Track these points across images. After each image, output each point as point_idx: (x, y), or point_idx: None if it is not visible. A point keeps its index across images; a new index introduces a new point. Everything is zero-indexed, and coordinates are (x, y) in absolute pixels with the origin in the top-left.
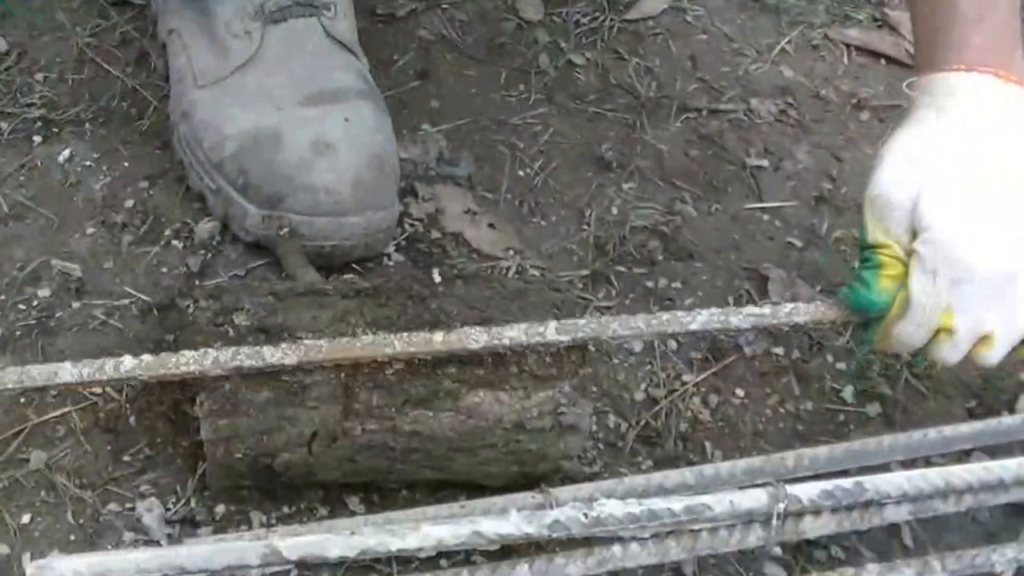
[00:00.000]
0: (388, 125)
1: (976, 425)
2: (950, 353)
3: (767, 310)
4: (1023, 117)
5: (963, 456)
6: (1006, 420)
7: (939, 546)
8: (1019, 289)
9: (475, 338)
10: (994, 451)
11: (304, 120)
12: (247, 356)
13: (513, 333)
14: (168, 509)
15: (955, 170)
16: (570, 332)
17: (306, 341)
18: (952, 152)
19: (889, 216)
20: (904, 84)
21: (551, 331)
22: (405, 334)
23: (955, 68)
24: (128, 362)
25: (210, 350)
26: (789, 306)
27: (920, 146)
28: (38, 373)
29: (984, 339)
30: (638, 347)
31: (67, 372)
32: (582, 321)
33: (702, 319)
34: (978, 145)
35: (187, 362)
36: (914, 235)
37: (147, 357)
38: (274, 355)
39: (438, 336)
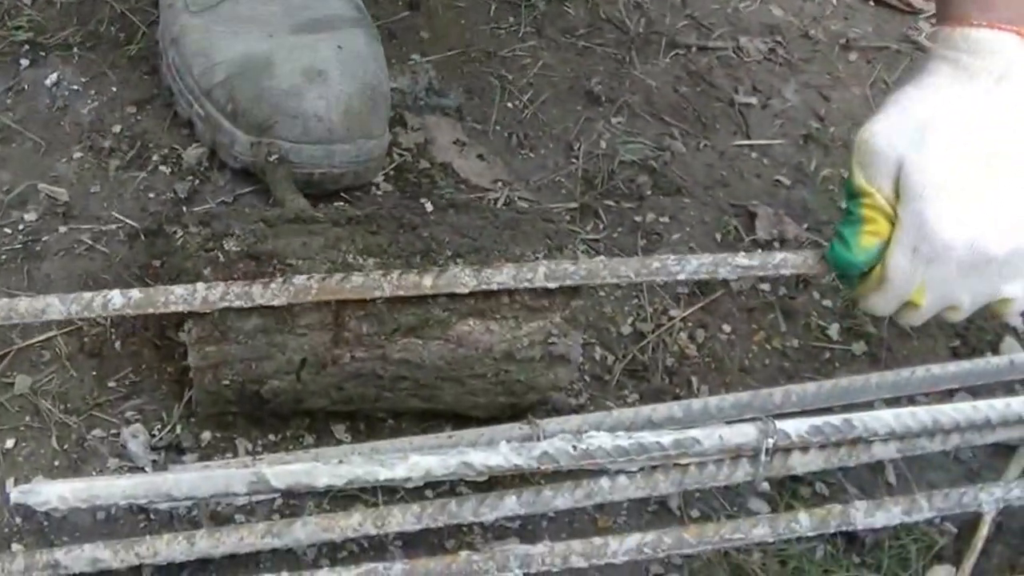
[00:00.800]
0: (381, 54)
1: (963, 364)
2: (914, 320)
3: (756, 260)
4: None
5: (946, 395)
6: (993, 360)
7: (922, 484)
8: (994, 269)
9: (464, 281)
10: (977, 391)
11: (296, 47)
12: (236, 296)
13: (502, 277)
14: (153, 435)
15: (953, 139)
16: (559, 278)
17: (296, 280)
18: (955, 118)
19: (872, 164)
20: (923, 34)
21: (540, 276)
22: (395, 275)
23: (975, 24)
24: (117, 299)
25: (199, 286)
26: (778, 256)
27: (923, 104)
28: (25, 308)
29: (951, 307)
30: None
31: (55, 308)
32: (571, 267)
33: (691, 267)
34: (985, 116)
35: (176, 300)
36: (898, 189)
37: (135, 293)
38: (263, 295)
39: (427, 279)
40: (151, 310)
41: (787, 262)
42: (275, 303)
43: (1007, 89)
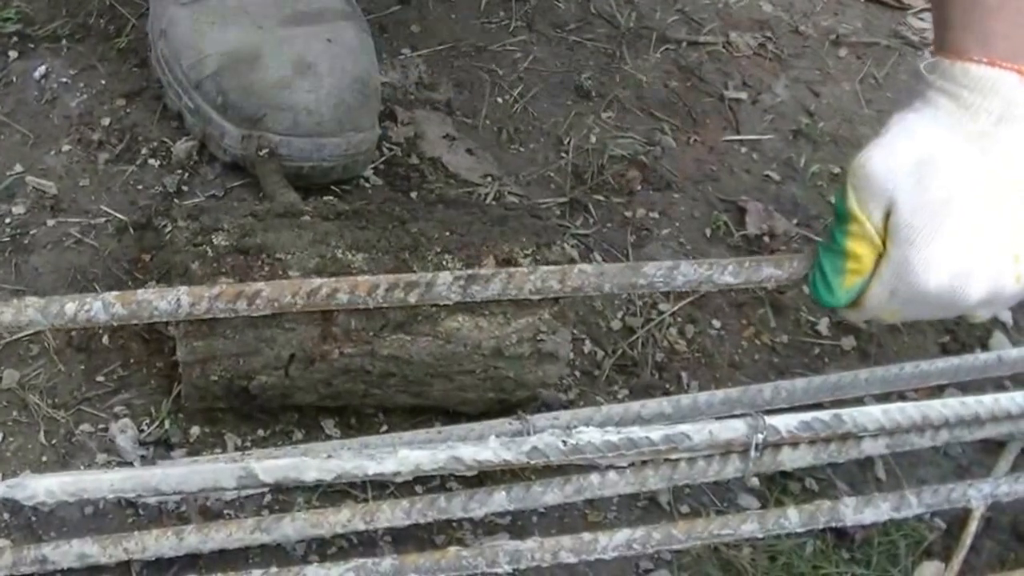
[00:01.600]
0: (371, 47)
1: (952, 360)
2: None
3: (740, 278)
4: None
5: (936, 391)
6: (982, 356)
7: (912, 480)
8: (970, 307)
9: (450, 297)
10: (967, 387)
11: (286, 40)
12: (221, 310)
13: (487, 293)
14: (142, 430)
15: (949, 183)
16: (544, 292)
17: (282, 296)
18: (953, 161)
19: (866, 190)
20: (921, 64)
21: (526, 290)
22: (381, 290)
23: (975, 60)
24: (100, 313)
25: (183, 299)
26: (764, 272)
27: (922, 138)
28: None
29: None
30: None
31: (35, 320)
32: (556, 283)
33: (677, 283)
34: (983, 161)
35: (160, 314)
36: (887, 222)
37: (119, 308)
38: (248, 310)
39: (412, 296)
40: (134, 321)
41: (771, 278)
42: (255, 313)
43: (1006, 133)
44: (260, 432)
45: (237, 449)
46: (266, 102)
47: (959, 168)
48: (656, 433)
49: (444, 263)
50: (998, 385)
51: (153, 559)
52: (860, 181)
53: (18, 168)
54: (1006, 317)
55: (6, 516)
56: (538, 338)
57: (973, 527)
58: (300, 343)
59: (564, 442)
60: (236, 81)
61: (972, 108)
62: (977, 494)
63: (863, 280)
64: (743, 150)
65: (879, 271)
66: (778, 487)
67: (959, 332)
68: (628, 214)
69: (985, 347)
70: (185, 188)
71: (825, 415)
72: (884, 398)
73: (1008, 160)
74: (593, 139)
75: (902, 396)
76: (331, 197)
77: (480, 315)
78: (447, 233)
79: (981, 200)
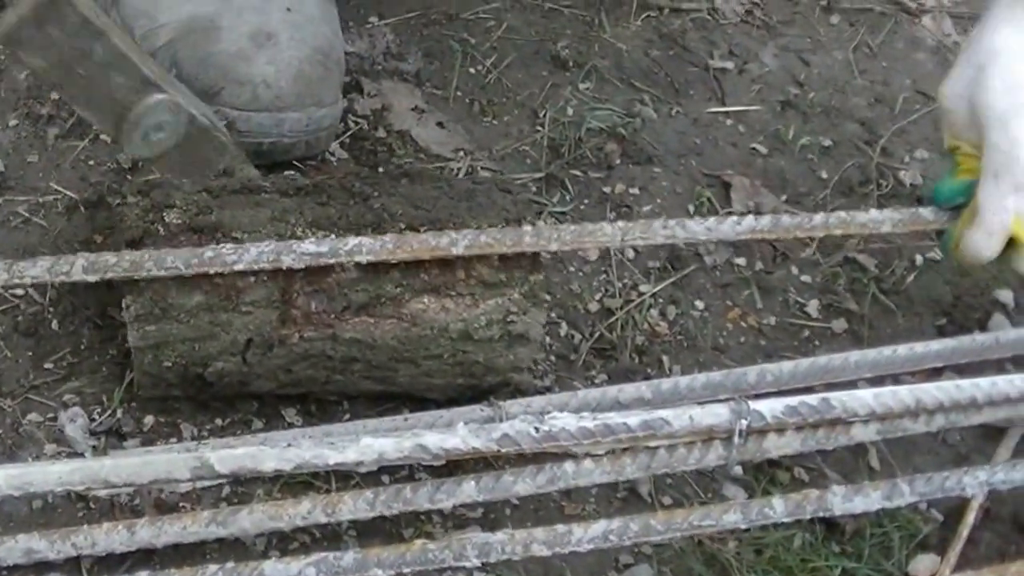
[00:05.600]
0: (334, 15)
1: (948, 342)
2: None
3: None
4: None
5: (933, 375)
6: (979, 337)
7: (907, 469)
8: None
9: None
10: (965, 370)
11: (244, 9)
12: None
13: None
14: (93, 419)
15: (1008, 70)
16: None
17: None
18: (1009, 54)
19: (950, 122)
20: None
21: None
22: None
23: None
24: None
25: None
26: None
27: (979, 48)
28: None
29: None
30: (593, 255)
31: None
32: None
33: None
34: None
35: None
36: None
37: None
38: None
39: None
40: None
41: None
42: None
43: None
44: (217, 421)
45: (193, 439)
46: (223, 74)
47: (1015, 57)
48: (634, 419)
49: None
50: (999, 368)
51: (104, 554)
52: (944, 117)
53: None
54: (1007, 298)
55: None
56: (508, 320)
57: (971, 518)
58: (258, 327)
59: (536, 429)
60: (191, 52)
61: None
62: (973, 482)
63: (974, 180)
64: (728, 122)
65: (981, 165)
66: (765, 477)
67: (956, 315)
68: (607, 190)
69: (984, 329)
70: (139, 164)
71: (813, 399)
72: (878, 382)
73: None
74: (570, 111)
75: (897, 380)
76: (292, 172)
77: (447, 296)
78: (412, 209)
79: None
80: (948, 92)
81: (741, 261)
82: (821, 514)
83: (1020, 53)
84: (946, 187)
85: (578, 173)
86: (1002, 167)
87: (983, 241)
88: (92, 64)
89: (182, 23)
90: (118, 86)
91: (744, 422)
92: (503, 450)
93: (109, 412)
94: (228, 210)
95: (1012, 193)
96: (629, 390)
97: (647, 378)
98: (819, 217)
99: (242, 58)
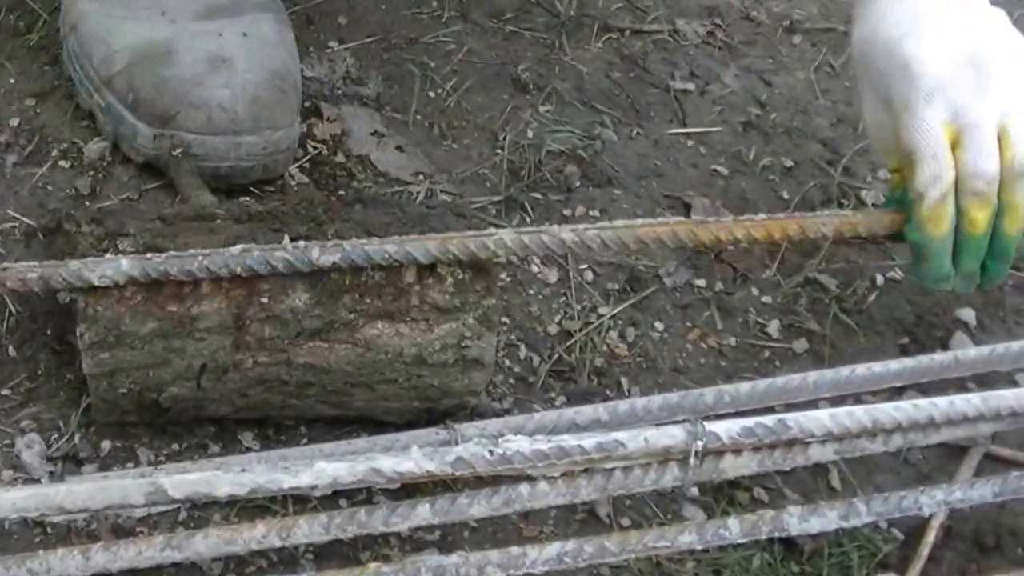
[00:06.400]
0: (290, 40)
1: (907, 362)
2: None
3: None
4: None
5: (895, 395)
6: (938, 357)
7: (868, 488)
8: (985, 69)
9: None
10: (927, 389)
11: (199, 34)
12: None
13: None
14: (50, 445)
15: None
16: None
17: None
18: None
19: (877, 137)
20: None
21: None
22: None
23: None
24: None
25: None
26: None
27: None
28: None
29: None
30: (552, 278)
31: None
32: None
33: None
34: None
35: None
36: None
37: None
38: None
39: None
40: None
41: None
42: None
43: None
44: (174, 446)
45: (150, 464)
46: (179, 99)
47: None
48: (589, 441)
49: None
50: (961, 387)
51: None
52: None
53: None
54: (968, 316)
55: None
56: (462, 344)
57: (931, 537)
58: (212, 353)
59: (491, 451)
60: (147, 77)
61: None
62: (930, 501)
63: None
64: (689, 143)
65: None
66: (725, 498)
67: (918, 333)
68: (567, 212)
69: (946, 347)
70: (98, 190)
71: (769, 420)
72: (839, 402)
73: None
74: (530, 134)
75: (859, 400)
76: (247, 198)
77: (401, 321)
78: (365, 235)
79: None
80: (864, 115)
81: (701, 282)
82: (777, 534)
83: (879, 22)
84: (894, 196)
85: (538, 196)
86: (904, 94)
87: (932, 170)
88: None
89: (138, 48)
90: None
91: (700, 443)
92: (457, 473)
93: (66, 437)
94: (182, 237)
95: (926, 107)
96: (586, 412)
97: (606, 400)
98: None
99: (197, 82)
